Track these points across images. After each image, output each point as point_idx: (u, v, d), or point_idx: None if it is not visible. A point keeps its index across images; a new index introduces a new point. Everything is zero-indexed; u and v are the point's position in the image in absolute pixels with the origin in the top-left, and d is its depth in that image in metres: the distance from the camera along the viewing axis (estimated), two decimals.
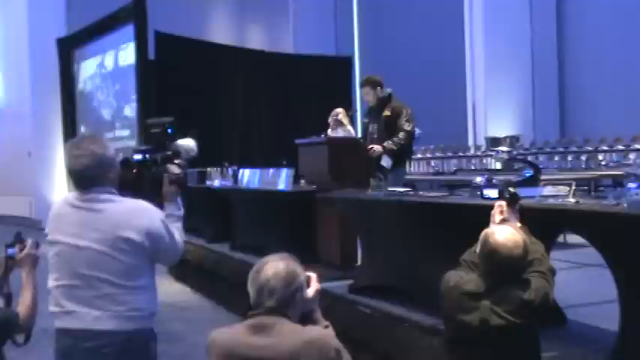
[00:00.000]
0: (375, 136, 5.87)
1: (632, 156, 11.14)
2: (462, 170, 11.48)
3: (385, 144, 5.64)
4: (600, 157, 11.35)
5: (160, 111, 9.63)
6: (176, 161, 2.81)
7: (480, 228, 3.19)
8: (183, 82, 11.94)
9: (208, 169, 8.32)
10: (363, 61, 18.29)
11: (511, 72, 14.91)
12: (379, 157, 5.60)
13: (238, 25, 17.97)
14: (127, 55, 13.07)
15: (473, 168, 12.03)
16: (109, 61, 14.14)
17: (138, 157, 2.88)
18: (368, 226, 4.72)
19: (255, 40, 17.52)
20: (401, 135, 5.69)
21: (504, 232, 2.63)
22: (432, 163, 12.74)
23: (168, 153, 2.84)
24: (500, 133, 14.65)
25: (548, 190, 3.22)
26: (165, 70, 12.06)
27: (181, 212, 2.73)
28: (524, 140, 13.85)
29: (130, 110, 12.91)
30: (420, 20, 16.92)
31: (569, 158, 12.05)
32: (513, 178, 3.43)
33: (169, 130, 2.87)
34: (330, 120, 6.65)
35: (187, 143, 2.99)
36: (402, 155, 5.79)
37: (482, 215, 3.24)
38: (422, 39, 16.56)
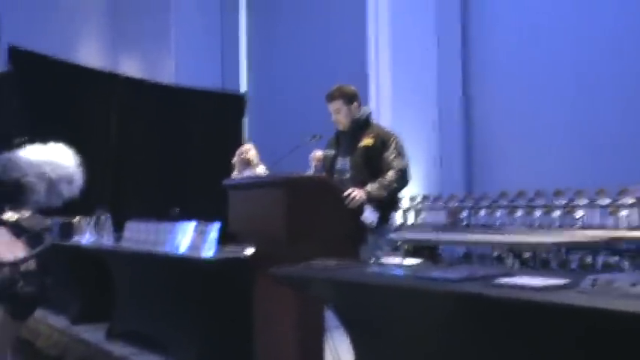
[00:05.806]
0: (348, 177, 3.92)
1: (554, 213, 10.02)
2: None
3: (369, 188, 3.71)
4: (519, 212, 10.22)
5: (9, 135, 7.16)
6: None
7: None
8: (43, 106, 9.50)
9: (76, 218, 5.96)
10: (252, 99, 16.58)
11: (416, 123, 13.71)
12: (359, 209, 3.66)
13: (111, 49, 15.60)
14: None
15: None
16: None
17: None
18: (379, 327, 2.73)
19: (130, 67, 15.22)
20: (390, 175, 3.78)
21: None
22: None
23: None
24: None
25: None
26: (19, 91, 9.56)
27: None
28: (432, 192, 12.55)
29: None
30: (319, 60, 15.43)
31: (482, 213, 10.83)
32: None
33: None
34: (235, 160, 5.75)
35: (54, 160, 1.50)
36: (385, 205, 3.87)
37: None
38: (321, 80, 15.02)
